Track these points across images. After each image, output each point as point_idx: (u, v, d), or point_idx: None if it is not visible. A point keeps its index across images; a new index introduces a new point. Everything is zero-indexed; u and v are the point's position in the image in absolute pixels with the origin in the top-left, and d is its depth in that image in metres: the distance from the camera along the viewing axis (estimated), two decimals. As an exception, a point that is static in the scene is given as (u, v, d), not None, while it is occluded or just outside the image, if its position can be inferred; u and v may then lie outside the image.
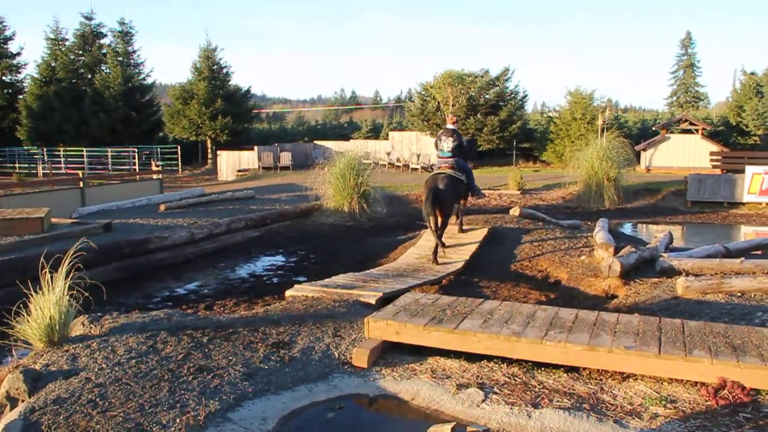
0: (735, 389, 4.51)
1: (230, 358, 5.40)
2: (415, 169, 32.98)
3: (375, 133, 45.63)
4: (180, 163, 36.62)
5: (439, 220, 10.20)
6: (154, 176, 22.39)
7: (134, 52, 40.85)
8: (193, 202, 17.24)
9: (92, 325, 6.22)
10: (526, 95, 37.43)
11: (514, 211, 13.35)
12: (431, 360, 5.42)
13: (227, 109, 37.39)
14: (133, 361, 5.25)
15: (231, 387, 4.84)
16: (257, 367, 5.24)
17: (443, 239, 10.30)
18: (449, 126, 11.14)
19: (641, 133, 38.05)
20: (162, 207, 15.83)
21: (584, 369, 5.18)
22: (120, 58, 39.81)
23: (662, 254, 9.60)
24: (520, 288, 9.37)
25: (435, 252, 10.02)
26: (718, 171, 24.80)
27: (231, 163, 34.00)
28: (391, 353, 5.61)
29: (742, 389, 4.51)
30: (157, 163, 28.48)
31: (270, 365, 5.29)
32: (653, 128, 36.24)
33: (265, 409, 4.59)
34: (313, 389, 4.97)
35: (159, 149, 37.04)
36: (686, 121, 33.53)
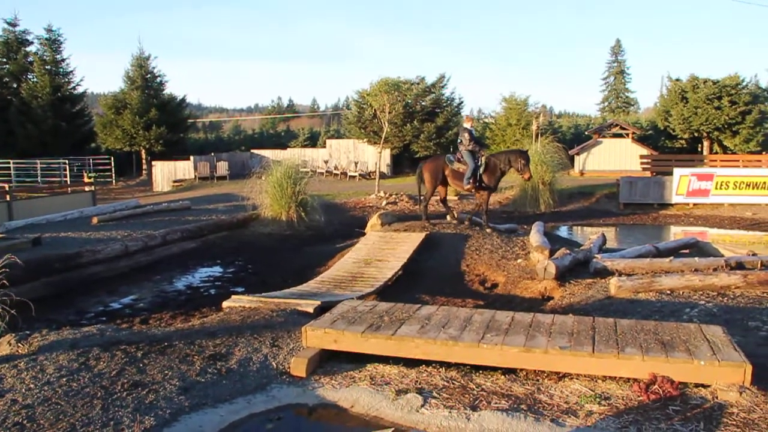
0: (665, 384, 4.66)
1: (166, 372, 5.30)
2: (353, 176, 32.99)
3: (312, 141, 45.43)
4: (114, 175, 35.75)
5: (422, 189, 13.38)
6: (86, 188, 21.76)
7: (63, 60, 39.45)
8: (128, 214, 16.87)
9: (19, 344, 6.00)
10: (462, 102, 37.88)
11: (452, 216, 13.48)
12: (370, 367, 5.43)
13: (162, 119, 36.63)
14: (64, 379, 5.09)
15: (167, 402, 4.74)
16: (194, 380, 5.15)
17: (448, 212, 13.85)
18: (463, 124, 13.44)
19: (575, 137, 38.99)
20: (95, 220, 15.44)
21: (521, 370, 5.27)
22: (48, 67, 38.45)
23: (596, 255, 9.84)
24: (458, 292, 9.47)
25: (424, 211, 13.24)
26: (648, 173, 25.56)
27: (166, 174, 33.39)
28: (330, 362, 5.59)
29: (672, 383, 4.66)
30: (90, 174, 27.61)
31: (207, 378, 5.21)
32: (586, 133, 37.22)
33: (203, 423, 4.52)
34: (251, 401, 4.92)
35: (91, 160, 36.06)
36: (617, 125, 34.53)
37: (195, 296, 10.00)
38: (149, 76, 38.33)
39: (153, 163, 34.42)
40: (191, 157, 34.05)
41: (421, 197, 13.43)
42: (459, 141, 12.96)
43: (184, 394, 4.89)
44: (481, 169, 12.65)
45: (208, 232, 14.58)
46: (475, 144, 12.78)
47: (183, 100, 40.79)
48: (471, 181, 12.60)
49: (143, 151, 37.53)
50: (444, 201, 13.86)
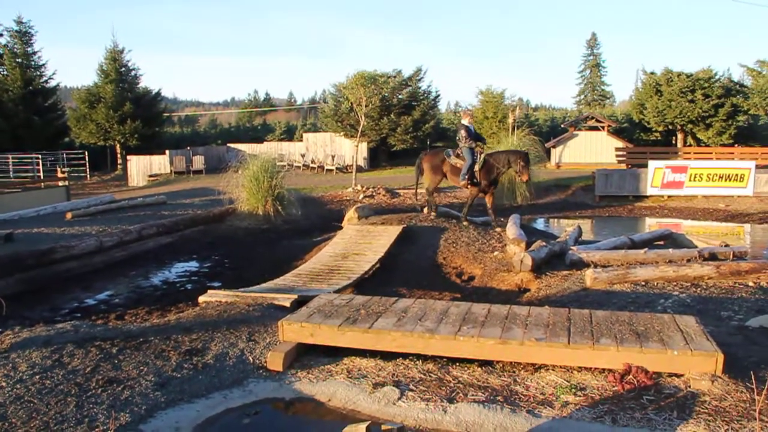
0: (639, 374, 4.72)
1: (141, 368, 5.26)
2: (330, 170, 32.92)
3: (289, 134, 45.33)
4: (88, 169, 35.27)
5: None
6: (60, 183, 21.53)
7: (34, 53, 38.78)
8: (102, 209, 16.69)
9: (-8, 342, 5.92)
10: (438, 95, 38.03)
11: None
12: (347, 360, 5.43)
13: (137, 113, 36.28)
14: (37, 376, 5.03)
15: (142, 398, 4.71)
16: (169, 376, 5.12)
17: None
18: (461, 120, 13.10)
19: (551, 130, 39.23)
20: (69, 215, 15.25)
21: (498, 362, 5.29)
22: (18, 60, 37.77)
23: (572, 247, 9.92)
24: (435, 285, 9.50)
25: (428, 204, 13.46)
26: (623, 166, 25.79)
27: (142, 169, 33.08)
28: (307, 355, 5.58)
29: (646, 373, 4.72)
30: (63, 169, 27.22)
31: (183, 373, 5.18)
32: (562, 126, 37.45)
33: (179, 419, 4.50)
34: (227, 396, 4.90)
35: (65, 155, 35.53)
36: (593, 118, 34.79)
37: (171, 291, 9.95)
38: (123, 69, 37.91)
39: (128, 157, 34.05)
40: (167, 152, 33.78)
41: (418, 188, 13.49)
42: (457, 138, 12.67)
43: (160, 390, 4.86)
44: (477, 167, 12.38)
45: (184, 227, 14.48)
46: (473, 141, 12.47)
47: (158, 93, 40.45)
48: (467, 177, 12.39)
49: (118, 146, 37.16)
50: (431, 193, 13.67)
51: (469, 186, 12.71)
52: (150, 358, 5.49)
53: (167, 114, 45.68)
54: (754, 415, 4.14)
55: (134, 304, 9.08)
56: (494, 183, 12.97)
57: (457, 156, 12.64)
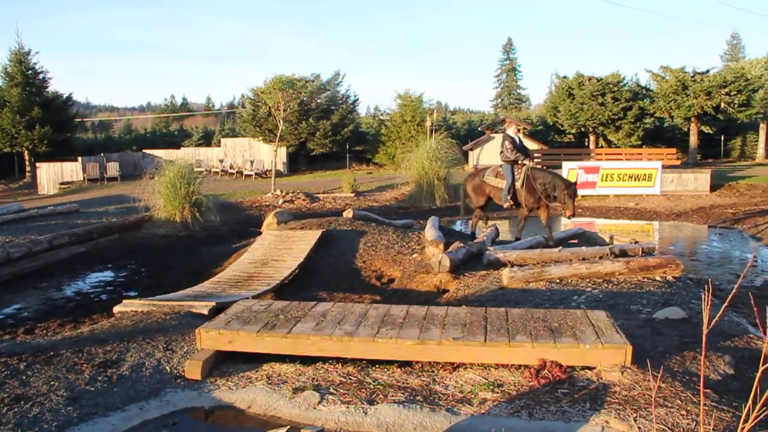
0: (554, 368, 4.88)
1: (52, 383, 5.08)
2: (249, 175, 32.50)
3: (207, 140, 44.49)
4: (-7, 178, 33.84)
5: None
6: (-37, 193, 20.56)
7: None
8: (9, 218, 16.04)
9: None
10: (357, 99, 38.15)
11: (348, 214, 13.54)
12: (267, 366, 5.40)
13: (46, 118, 34.86)
14: (-65, 398, 4.79)
15: (53, 414, 4.56)
16: (82, 389, 4.97)
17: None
18: (506, 130, 11.88)
19: (468, 133, 39.88)
20: (-28, 226, 14.59)
21: (417, 362, 5.37)
22: None
23: (489, 248, 10.13)
24: (355, 288, 9.53)
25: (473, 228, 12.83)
26: (538, 167, 26.46)
27: (52, 176, 31.84)
28: (226, 363, 5.52)
29: (560, 368, 4.89)
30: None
31: (97, 386, 5.04)
32: (479, 129, 38.15)
33: (92, 434, 4.38)
34: (144, 407, 4.80)
35: (-33, 163, 33.99)
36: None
37: (85, 302, 9.64)
38: (30, 72, 36.37)
39: (37, 164, 32.71)
40: (79, 158, 32.63)
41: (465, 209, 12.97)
42: (501, 150, 11.40)
43: (72, 405, 4.71)
44: (518, 184, 11.17)
45: (98, 236, 14.03)
46: (519, 153, 11.23)
47: (69, 98, 39.03)
48: (509, 197, 11.29)
49: (26, 152, 35.66)
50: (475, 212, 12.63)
51: (514, 206, 11.59)
52: (61, 372, 5.32)
53: (79, 119, 44.08)
54: (660, 401, 4.34)
55: (45, 317, 8.74)
56: (539, 203, 11.33)
57: (496, 175, 11.61)
